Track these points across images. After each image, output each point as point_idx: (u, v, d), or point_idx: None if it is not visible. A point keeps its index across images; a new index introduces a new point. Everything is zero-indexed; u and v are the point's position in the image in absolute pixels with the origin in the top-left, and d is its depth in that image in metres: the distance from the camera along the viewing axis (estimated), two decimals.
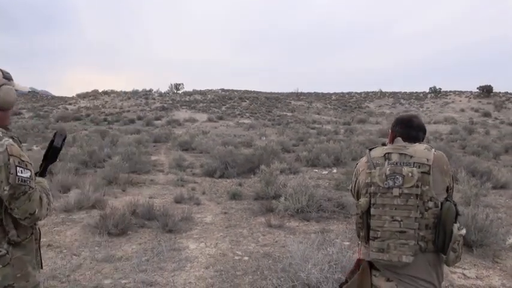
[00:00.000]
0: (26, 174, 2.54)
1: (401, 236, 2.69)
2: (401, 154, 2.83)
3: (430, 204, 2.69)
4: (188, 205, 9.90)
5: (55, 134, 3.03)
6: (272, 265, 6.18)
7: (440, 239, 2.70)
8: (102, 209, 8.82)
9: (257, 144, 18.79)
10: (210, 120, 46.08)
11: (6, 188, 2.43)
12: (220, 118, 47.96)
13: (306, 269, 5.10)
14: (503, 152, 22.62)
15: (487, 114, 55.62)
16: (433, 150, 2.83)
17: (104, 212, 7.92)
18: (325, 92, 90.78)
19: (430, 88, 78.14)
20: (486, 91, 70.18)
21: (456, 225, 2.69)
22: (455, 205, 2.75)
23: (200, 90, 79.95)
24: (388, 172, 2.78)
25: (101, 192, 10.16)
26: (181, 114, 50.37)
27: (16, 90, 2.84)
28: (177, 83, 79.10)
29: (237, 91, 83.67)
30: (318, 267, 5.09)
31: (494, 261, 6.68)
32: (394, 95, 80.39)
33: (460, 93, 75.06)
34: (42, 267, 3.01)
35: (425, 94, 78.06)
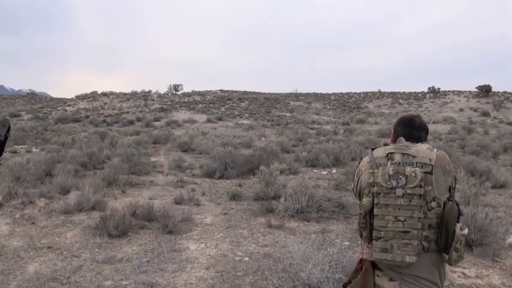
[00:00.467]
0: None
1: (405, 236, 2.69)
2: (403, 154, 2.83)
3: (433, 204, 2.70)
4: (188, 206, 9.91)
5: None
6: (273, 265, 6.19)
7: (443, 239, 2.70)
8: (102, 210, 8.83)
9: (256, 145, 18.80)
10: (209, 121, 46.08)
11: None
12: (220, 119, 47.96)
13: (307, 269, 5.10)
14: (502, 151, 22.65)
15: (486, 114, 55.69)
16: (435, 150, 2.83)
17: (104, 214, 7.92)
18: (324, 92, 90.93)
19: (429, 88, 78.20)
20: (485, 91, 70.24)
21: (459, 225, 2.70)
22: (457, 205, 2.75)
23: (199, 91, 79.99)
24: (391, 172, 2.77)
25: (101, 193, 10.15)
26: (181, 115, 50.35)
27: None
28: (176, 84, 79.15)
29: (236, 92, 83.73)
30: (319, 267, 5.09)
31: (494, 260, 6.69)
32: (393, 95, 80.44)
33: (458, 93, 75.13)
34: None
35: (424, 94, 78.10)
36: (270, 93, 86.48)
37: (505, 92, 74.30)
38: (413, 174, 2.70)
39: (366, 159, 3.05)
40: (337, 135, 32.63)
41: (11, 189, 9.75)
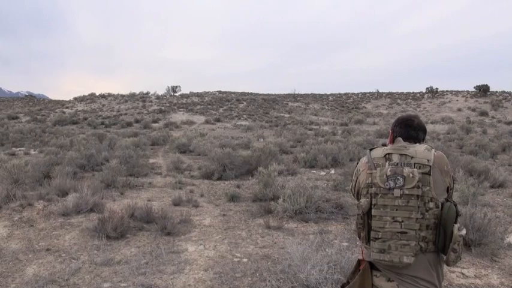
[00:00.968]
0: None
1: (402, 236, 2.69)
2: (401, 155, 2.84)
3: (431, 204, 2.70)
4: (186, 208, 9.91)
5: None
6: (271, 267, 6.19)
7: (441, 240, 2.71)
8: (100, 212, 8.82)
9: (255, 146, 18.81)
10: (207, 122, 46.11)
11: None
12: (218, 120, 47.99)
13: (305, 270, 5.10)
14: (501, 151, 22.66)
15: (484, 114, 55.82)
16: (434, 150, 2.84)
17: (102, 216, 7.91)
18: (322, 93, 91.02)
19: (427, 88, 78.34)
20: (483, 90, 70.41)
21: (456, 226, 2.69)
22: (455, 205, 2.76)
23: (197, 93, 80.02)
24: (389, 173, 2.78)
25: (99, 195, 10.14)
26: (179, 116, 50.38)
27: None
28: (174, 85, 79.23)
29: (234, 93, 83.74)
30: (317, 268, 5.10)
31: (493, 260, 6.69)
32: (391, 95, 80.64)
33: (456, 92, 75.31)
34: None
35: (422, 94, 78.25)
36: (268, 94, 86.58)
37: (503, 92, 74.49)
38: (411, 175, 2.71)
39: (364, 159, 3.05)
40: (335, 135, 32.62)
41: (10, 191, 9.73)
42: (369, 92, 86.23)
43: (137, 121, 45.40)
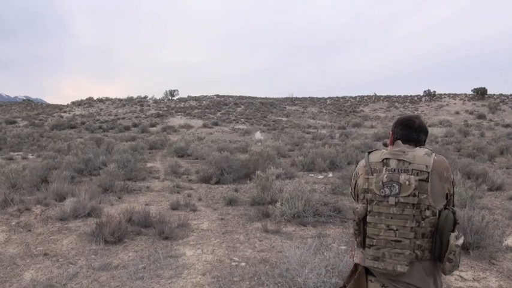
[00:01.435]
0: None
1: (397, 245, 2.67)
2: (399, 160, 2.77)
3: (428, 213, 2.65)
4: (184, 212, 9.90)
5: None
6: (269, 271, 6.17)
7: (437, 248, 2.68)
8: (98, 217, 8.80)
9: (253, 150, 18.80)
10: (205, 126, 46.15)
11: None
12: (216, 124, 48.05)
13: (303, 274, 5.10)
14: (499, 153, 22.69)
15: (481, 117, 55.90)
16: (434, 155, 2.77)
17: (100, 220, 7.89)
18: (320, 96, 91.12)
19: (425, 91, 78.42)
20: (480, 93, 70.51)
21: (453, 235, 2.64)
22: (454, 213, 2.71)
23: (195, 96, 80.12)
24: (385, 179, 2.73)
25: (97, 200, 10.13)
26: (177, 120, 50.41)
27: None
28: (172, 89, 79.27)
29: (231, 97, 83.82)
30: (315, 271, 5.09)
31: (491, 262, 6.69)
32: (388, 98, 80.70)
33: (454, 95, 75.42)
34: None
35: (419, 97, 78.34)
36: (266, 98, 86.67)
37: (501, 95, 74.65)
38: (407, 183, 2.65)
39: (362, 163, 3.01)
40: (333, 139, 32.68)
41: (7, 196, 9.71)
42: (367, 96, 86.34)
43: (135, 125, 45.44)
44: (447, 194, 2.76)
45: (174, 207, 10.31)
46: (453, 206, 2.85)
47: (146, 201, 11.06)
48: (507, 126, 46.41)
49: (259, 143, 28.21)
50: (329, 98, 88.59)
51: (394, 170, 2.75)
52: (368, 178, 2.84)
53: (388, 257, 2.68)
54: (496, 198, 11.82)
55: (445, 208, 2.73)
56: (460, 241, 2.68)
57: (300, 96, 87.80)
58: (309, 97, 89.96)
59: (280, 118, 57.37)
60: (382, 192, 2.72)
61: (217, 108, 62.27)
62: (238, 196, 11.64)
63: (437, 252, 2.69)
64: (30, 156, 21.87)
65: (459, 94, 76.78)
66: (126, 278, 5.93)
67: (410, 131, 2.96)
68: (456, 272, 6.15)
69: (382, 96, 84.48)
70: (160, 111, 57.49)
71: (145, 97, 74.10)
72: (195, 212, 10.10)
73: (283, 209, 9.06)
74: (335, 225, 8.85)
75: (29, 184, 12.06)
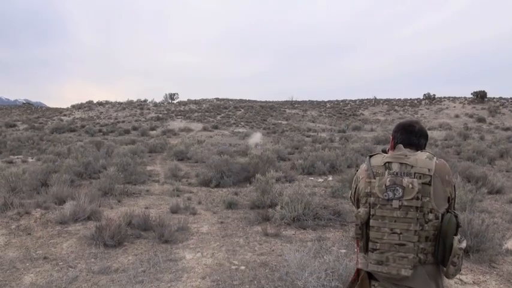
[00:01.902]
0: None
1: (401, 248, 2.67)
2: (401, 164, 2.78)
3: (431, 216, 2.66)
4: (184, 215, 9.89)
5: None
6: (269, 274, 6.17)
7: (440, 252, 2.68)
8: (97, 220, 8.80)
9: (252, 153, 18.79)
10: (205, 129, 46.13)
11: None
12: (216, 127, 48.03)
13: (303, 278, 5.09)
14: (498, 157, 22.66)
15: (481, 120, 55.89)
16: (435, 158, 2.78)
17: (99, 224, 7.89)
18: (320, 100, 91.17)
19: (424, 95, 78.47)
20: (480, 97, 70.57)
21: (457, 238, 2.66)
22: (456, 216, 2.72)
23: (195, 100, 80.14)
24: (388, 183, 2.74)
25: (97, 203, 10.13)
26: (176, 124, 50.41)
27: None
28: (172, 92, 79.33)
29: (231, 100, 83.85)
30: (315, 275, 5.09)
31: (491, 266, 6.68)
32: (388, 102, 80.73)
33: (454, 99, 75.47)
34: None
35: (419, 101, 78.38)
36: (265, 101, 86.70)
37: (501, 98, 74.70)
38: (410, 186, 2.66)
39: (363, 166, 3.01)
40: (333, 142, 32.63)
41: (7, 199, 9.71)
42: (367, 99, 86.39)
43: (135, 128, 45.40)
44: (449, 197, 2.77)
45: (174, 210, 10.30)
46: (454, 209, 2.85)
47: (146, 205, 11.05)
48: (507, 129, 46.39)
49: (259, 147, 28.20)
50: (329, 101, 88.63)
51: (397, 173, 2.76)
52: (370, 182, 2.84)
53: (392, 261, 2.69)
54: (496, 201, 11.81)
55: (447, 212, 2.73)
56: (463, 244, 2.69)
57: (299, 99, 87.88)
58: (309, 100, 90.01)
59: (280, 121, 57.39)
60: (386, 196, 2.73)
61: (217, 112, 62.28)
62: (238, 199, 11.64)
63: (440, 255, 2.69)
64: (30, 160, 21.85)
65: (459, 97, 76.84)
66: (126, 281, 5.93)
67: (411, 135, 2.98)
68: (456, 276, 6.15)
69: (382, 99, 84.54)
70: (160, 115, 57.52)
71: (145, 100, 74.12)
72: (194, 215, 10.10)
73: (283, 213, 9.06)
74: (335, 228, 8.84)
75: (28, 187, 12.05)
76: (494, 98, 75.02)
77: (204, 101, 79.37)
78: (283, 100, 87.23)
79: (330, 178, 15.85)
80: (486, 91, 71.71)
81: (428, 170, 2.70)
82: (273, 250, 7.44)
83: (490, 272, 6.45)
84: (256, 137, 35.02)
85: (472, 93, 72.83)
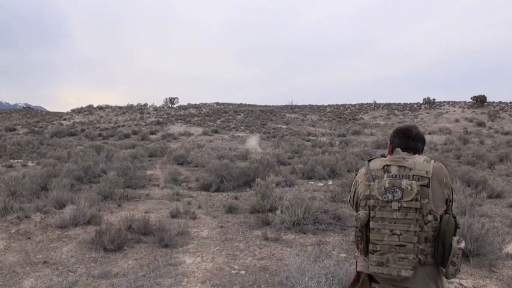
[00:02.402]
0: None
1: (401, 249, 2.70)
2: (400, 167, 2.82)
3: (429, 217, 2.69)
4: (184, 219, 9.89)
5: None
6: (269, 279, 6.17)
7: (440, 253, 2.71)
8: (97, 224, 8.79)
9: (252, 157, 18.80)
10: (205, 133, 46.14)
11: None
12: (216, 131, 48.04)
13: (303, 282, 5.09)
14: (498, 161, 22.68)
15: (481, 124, 55.95)
16: (433, 162, 2.83)
17: (99, 228, 7.89)
18: (320, 104, 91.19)
19: (424, 99, 78.53)
20: (480, 101, 70.64)
21: (455, 239, 2.69)
22: (454, 218, 2.75)
23: (195, 104, 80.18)
24: (387, 185, 2.77)
25: (97, 207, 10.13)
26: (176, 128, 50.41)
27: None
28: (172, 97, 79.36)
29: (231, 104, 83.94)
30: (315, 279, 5.08)
31: (491, 270, 6.68)
32: (388, 106, 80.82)
33: (454, 103, 75.55)
34: None
35: (419, 105, 78.46)
36: (265, 106, 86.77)
37: (500, 102, 74.77)
38: (409, 188, 2.70)
39: (362, 170, 3.04)
40: (333, 146, 32.65)
41: (7, 203, 9.70)
42: (366, 103, 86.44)
43: (135, 133, 45.39)
44: (447, 199, 2.82)
45: (174, 214, 10.30)
46: (452, 211, 2.88)
47: (146, 209, 11.05)
48: (507, 133, 46.43)
49: (259, 150, 28.19)
50: (329, 105, 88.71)
51: (396, 176, 2.80)
52: (369, 185, 2.87)
53: (392, 262, 2.71)
54: (496, 205, 11.81)
55: (446, 213, 2.77)
56: (462, 244, 2.74)
57: (299, 103, 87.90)
58: (309, 105, 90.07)
59: (280, 126, 57.39)
60: (385, 198, 2.76)
61: (217, 116, 62.29)
62: (238, 204, 11.65)
63: (439, 256, 2.72)
64: (30, 164, 21.85)
65: (458, 102, 76.93)
66: (126, 286, 5.92)
67: (408, 139, 3.03)
68: (456, 280, 6.15)
69: (381, 103, 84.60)
70: (160, 119, 57.50)
71: (145, 105, 74.16)
72: (194, 219, 10.10)
73: (283, 217, 9.06)
74: (335, 232, 8.84)
75: (28, 192, 12.04)
76: (493, 102, 75.13)
77: (204, 105, 79.45)
78: (283, 104, 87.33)
79: (330, 182, 15.85)
80: (486, 95, 71.85)
81: (426, 172, 2.75)
82: (273, 254, 7.43)
83: (490, 276, 6.45)
84: (253, 141, 34.99)
85: (471, 98, 72.91)
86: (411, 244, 2.68)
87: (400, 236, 2.70)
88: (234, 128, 52.67)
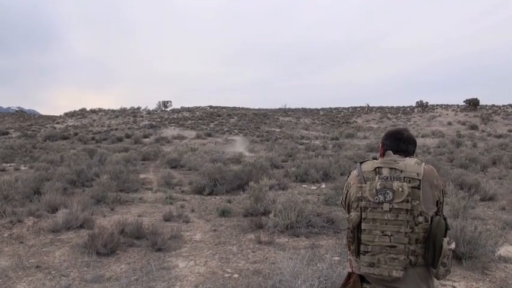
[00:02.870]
0: None
1: (392, 250, 2.71)
2: (391, 169, 2.85)
3: (420, 219, 2.71)
4: (177, 223, 9.87)
5: None
6: (262, 282, 6.16)
7: (430, 254, 2.73)
8: (90, 228, 8.77)
9: (246, 161, 18.80)
10: (198, 137, 46.13)
11: None
12: (209, 135, 48.01)
13: (296, 285, 5.09)
14: (491, 164, 22.77)
15: (474, 127, 56.17)
16: (424, 164, 2.85)
17: (92, 232, 7.87)
18: (313, 107, 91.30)
19: (417, 102, 78.70)
20: (473, 104, 70.88)
21: (446, 240, 2.71)
22: (445, 219, 2.78)
23: (188, 107, 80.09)
24: (378, 187, 2.80)
25: (89, 211, 10.10)
26: (170, 131, 50.36)
27: None
28: (165, 100, 79.26)
29: (225, 108, 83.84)
30: (308, 283, 5.08)
31: (484, 273, 6.70)
32: (381, 109, 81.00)
33: (446, 106, 75.82)
34: None
35: (412, 108, 78.65)
36: (259, 109, 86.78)
37: (493, 106, 75.09)
38: (400, 189, 2.72)
39: (354, 173, 3.06)
40: (326, 150, 32.70)
41: None
42: (360, 107, 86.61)
43: (128, 136, 45.31)
44: (437, 201, 2.85)
45: (167, 218, 10.28)
46: (442, 212, 2.90)
47: (139, 213, 11.02)
48: (499, 136, 46.62)
49: (246, 154, 28.17)
50: (322, 108, 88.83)
51: (387, 177, 2.82)
52: (361, 186, 2.89)
53: (384, 263, 2.73)
54: (489, 208, 11.85)
55: (437, 214, 2.79)
56: (453, 245, 2.76)
57: (293, 107, 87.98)
58: (302, 108, 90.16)
59: (273, 129, 57.41)
60: (377, 199, 2.78)
61: (211, 119, 62.24)
62: (231, 207, 11.63)
63: (430, 257, 2.74)
64: (22, 168, 21.78)
65: (451, 105, 77.21)
66: None
67: (399, 142, 3.06)
68: (449, 282, 6.17)
69: (374, 107, 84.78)
70: (154, 122, 57.41)
71: (139, 108, 74.01)
72: (187, 223, 10.08)
73: (276, 220, 9.06)
74: (328, 236, 8.85)
75: (21, 195, 12.01)
76: (486, 105, 75.44)
77: (197, 108, 79.34)
78: (276, 108, 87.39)
79: (323, 185, 15.86)
80: (478, 99, 72.16)
81: (417, 174, 2.77)
82: (266, 258, 7.43)
83: (483, 279, 6.47)
84: (239, 145, 34.97)
85: (464, 101, 73.14)
86: (402, 245, 2.70)
87: (391, 237, 2.72)
88: (227, 131, 52.65)
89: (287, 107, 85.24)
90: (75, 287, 6.05)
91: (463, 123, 60.24)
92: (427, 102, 77.86)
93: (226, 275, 6.58)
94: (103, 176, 13.64)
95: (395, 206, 2.72)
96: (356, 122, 70.38)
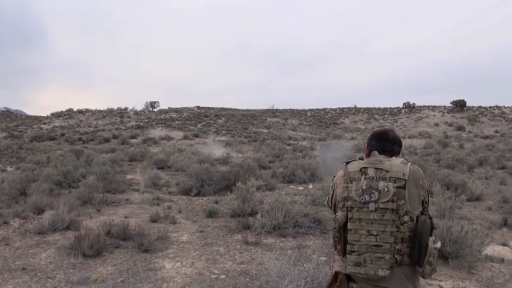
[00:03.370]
0: None
1: (377, 250, 2.72)
2: (377, 169, 2.86)
3: (406, 218, 2.72)
4: (164, 224, 9.85)
5: None
6: (249, 283, 6.15)
7: (416, 253, 2.74)
8: (76, 230, 8.73)
9: (233, 161, 18.79)
10: (186, 137, 45.99)
11: None
12: (196, 136, 47.88)
13: (283, 286, 5.09)
14: (477, 164, 22.93)
15: (460, 128, 56.51)
16: (409, 164, 2.87)
17: (78, 233, 7.83)
18: (301, 108, 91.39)
19: (404, 103, 79.02)
20: (459, 106, 71.33)
21: (431, 239, 2.73)
22: (430, 219, 2.79)
23: (176, 108, 79.87)
24: (364, 187, 2.80)
25: (76, 212, 10.05)
26: (157, 132, 50.18)
27: None
28: (153, 101, 79.02)
29: (212, 108, 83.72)
30: (295, 283, 5.09)
31: (470, 272, 6.74)
32: (368, 110, 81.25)
33: (433, 108, 76.19)
34: None
35: (399, 109, 78.97)
36: (247, 110, 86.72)
37: (480, 107, 75.55)
38: (386, 189, 2.73)
39: (340, 173, 3.07)
40: (313, 151, 32.72)
41: None
42: (347, 108, 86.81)
43: (115, 137, 45.06)
44: (423, 200, 2.87)
45: (154, 219, 10.25)
46: (428, 212, 2.93)
47: (125, 214, 10.99)
48: (486, 137, 46.88)
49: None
50: (309, 109, 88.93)
51: (373, 177, 2.83)
52: (347, 187, 2.90)
53: (369, 262, 2.74)
54: (475, 208, 11.93)
55: (422, 214, 2.81)
56: (438, 244, 2.79)
57: (280, 108, 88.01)
58: (290, 109, 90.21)
59: (261, 130, 57.40)
60: (362, 199, 2.79)
61: (198, 120, 62.08)
62: (219, 208, 11.61)
63: (416, 256, 2.75)
64: (8, 169, 21.65)
65: (438, 106, 77.59)
66: None
67: (385, 142, 3.08)
68: (436, 282, 6.19)
69: (362, 108, 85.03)
70: (141, 123, 57.16)
71: (126, 109, 73.68)
72: (174, 224, 10.05)
73: (263, 221, 9.06)
74: (315, 236, 8.86)
75: (7, 197, 11.93)
76: (473, 106, 75.88)
77: (185, 109, 79.14)
78: (264, 109, 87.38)
79: (311, 186, 15.90)
80: (465, 100, 72.61)
81: (403, 174, 2.79)
82: (253, 259, 7.43)
83: (469, 278, 6.51)
84: (217, 147, 34.99)
85: (451, 102, 73.61)
86: (388, 244, 2.71)
87: (377, 237, 2.73)
88: (215, 132, 52.58)
89: (274, 107, 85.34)
90: None
91: (450, 124, 60.61)
92: (414, 104, 78.23)
93: (213, 276, 6.57)
94: (89, 177, 13.57)
95: (381, 206, 2.73)
96: (343, 123, 70.58)
